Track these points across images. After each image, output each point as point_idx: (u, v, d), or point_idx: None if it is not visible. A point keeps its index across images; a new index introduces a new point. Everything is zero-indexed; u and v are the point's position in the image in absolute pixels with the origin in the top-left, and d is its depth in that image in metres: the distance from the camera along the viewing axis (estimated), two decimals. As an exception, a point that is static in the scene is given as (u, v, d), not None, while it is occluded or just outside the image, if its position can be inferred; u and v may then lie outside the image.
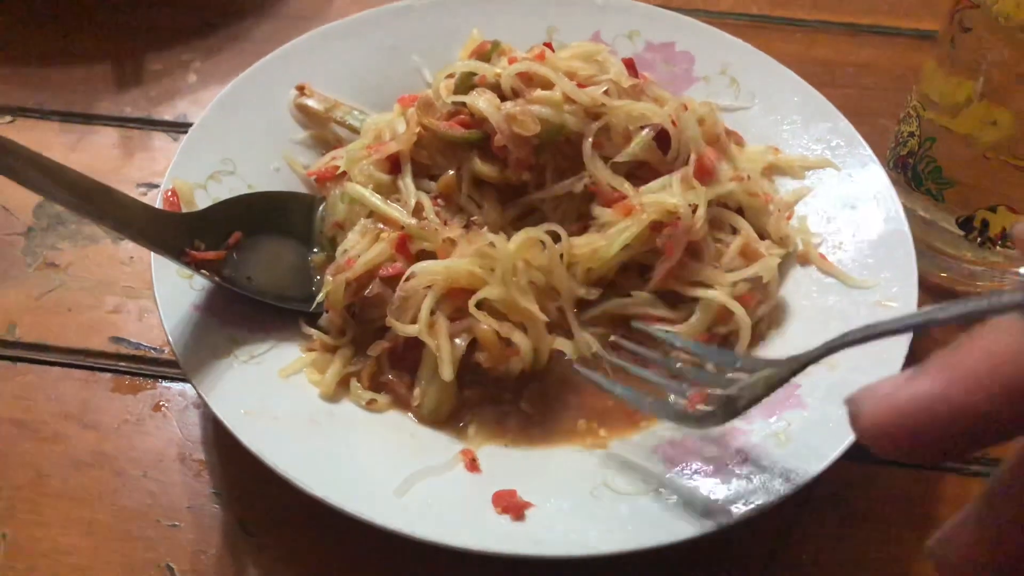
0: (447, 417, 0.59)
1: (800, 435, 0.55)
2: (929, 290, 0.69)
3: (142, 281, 0.70)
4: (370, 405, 0.58)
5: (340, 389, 0.59)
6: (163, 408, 0.63)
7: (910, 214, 0.67)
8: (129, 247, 0.72)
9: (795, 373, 0.44)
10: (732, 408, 0.47)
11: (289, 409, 0.56)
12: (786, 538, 0.58)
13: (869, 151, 0.70)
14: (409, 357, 0.60)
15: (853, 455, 0.54)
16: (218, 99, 0.70)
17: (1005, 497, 0.30)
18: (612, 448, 0.57)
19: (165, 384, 0.64)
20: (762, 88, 0.76)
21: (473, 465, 0.55)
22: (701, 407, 0.50)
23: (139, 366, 0.65)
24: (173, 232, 0.57)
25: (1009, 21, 0.59)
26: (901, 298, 0.61)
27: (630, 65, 0.70)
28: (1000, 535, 0.30)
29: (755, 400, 0.46)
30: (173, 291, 0.59)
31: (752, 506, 0.52)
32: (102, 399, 0.64)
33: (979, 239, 0.67)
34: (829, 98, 0.74)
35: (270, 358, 0.59)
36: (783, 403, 0.58)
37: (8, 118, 0.82)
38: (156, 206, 0.63)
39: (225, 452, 0.61)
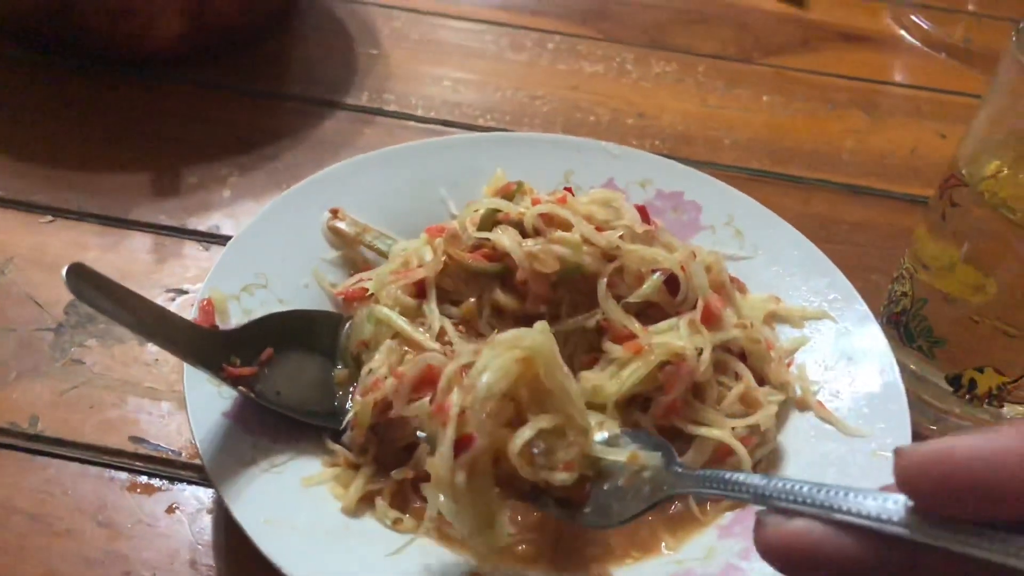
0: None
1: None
2: (921, 441, 0.72)
3: (165, 383, 0.73)
4: (396, 524, 0.60)
5: (361, 505, 0.60)
6: (177, 511, 0.65)
7: (903, 367, 0.71)
8: (154, 349, 0.75)
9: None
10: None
11: (307, 520, 0.57)
12: None
13: (865, 307, 0.74)
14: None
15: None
16: (258, 216, 0.74)
17: None
18: (616, 579, 0.59)
19: (180, 487, 0.66)
20: (764, 240, 0.81)
21: (482, 587, 0.57)
22: None
23: (156, 467, 0.67)
24: (214, 349, 0.61)
25: (993, 198, 0.65)
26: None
27: (643, 212, 0.75)
28: None
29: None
30: (203, 398, 0.61)
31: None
32: (118, 497, 0.65)
33: (967, 396, 0.71)
34: (825, 252, 0.79)
35: (290, 468, 0.61)
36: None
37: (49, 217, 0.86)
38: (191, 313, 0.66)
39: (235, 559, 0.62)
